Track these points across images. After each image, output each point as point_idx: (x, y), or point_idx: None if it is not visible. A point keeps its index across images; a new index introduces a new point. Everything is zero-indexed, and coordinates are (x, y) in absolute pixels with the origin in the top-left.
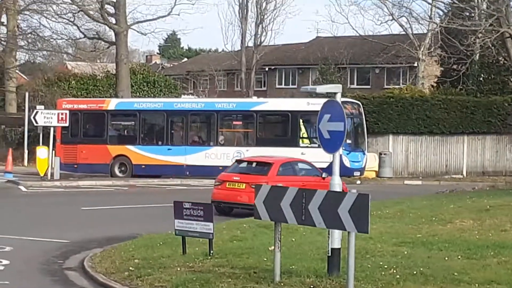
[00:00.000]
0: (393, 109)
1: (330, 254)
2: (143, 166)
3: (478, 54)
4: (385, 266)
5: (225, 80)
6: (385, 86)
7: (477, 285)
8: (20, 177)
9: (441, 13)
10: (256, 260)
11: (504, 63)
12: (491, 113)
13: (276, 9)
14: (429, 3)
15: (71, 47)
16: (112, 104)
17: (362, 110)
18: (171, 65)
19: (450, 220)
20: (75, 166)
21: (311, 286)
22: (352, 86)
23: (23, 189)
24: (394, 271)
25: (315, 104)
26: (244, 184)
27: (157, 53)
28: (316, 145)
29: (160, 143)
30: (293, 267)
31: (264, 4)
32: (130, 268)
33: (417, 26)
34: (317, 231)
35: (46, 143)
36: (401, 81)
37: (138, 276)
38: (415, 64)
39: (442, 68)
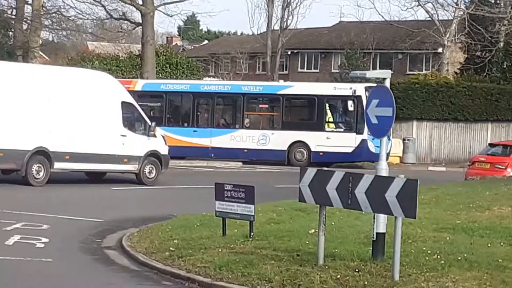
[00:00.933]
0: (417, 95)
1: (375, 239)
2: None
3: (503, 42)
4: (429, 252)
5: (247, 63)
6: (408, 72)
7: None
8: None
9: None
10: (297, 243)
11: None
12: None
13: None
14: None
15: (96, 28)
16: (139, 85)
17: None
18: (192, 47)
19: (488, 207)
20: None
21: (356, 270)
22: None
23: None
24: (438, 256)
25: (342, 89)
26: (489, 164)
27: (177, 35)
28: (342, 130)
29: (186, 124)
30: (336, 250)
31: None
32: (171, 248)
33: (443, 13)
34: (354, 215)
35: None
36: (423, 67)
37: (179, 256)
38: (440, 51)
39: (466, 55)
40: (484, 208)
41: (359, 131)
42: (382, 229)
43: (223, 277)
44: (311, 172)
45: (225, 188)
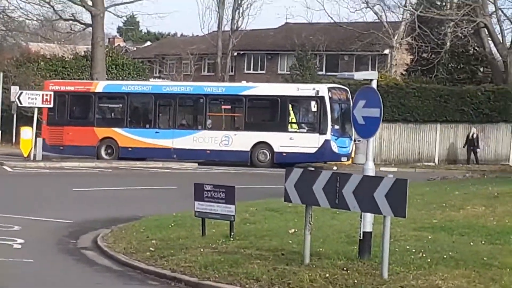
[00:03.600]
0: None
1: (361, 238)
2: (129, 149)
3: (449, 44)
4: (413, 250)
5: (196, 64)
6: None
7: (508, 270)
8: (1, 157)
9: (413, 1)
10: (279, 242)
11: (474, 52)
12: (464, 102)
13: None
14: None
15: (43, 29)
16: (100, 86)
17: (350, 96)
18: (135, 48)
19: (461, 207)
20: (61, 147)
21: (344, 268)
22: (320, 73)
23: (8, 169)
24: (423, 255)
25: (305, 90)
26: None
27: (118, 36)
28: (305, 130)
29: (147, 126)
30: (320, 249)
31: None
32: (150, 248)
33: (392, 15)
34: (329, 215)
35: (21, 124)
36: (370, 68)
37: (161, 256)
38: (386, 52)
39: (412, 57)
40: (458, 208)
41: (322, 132)
42: (369, 228)
43: (209, 276)
44: (297, 172)
45: (205, 189)
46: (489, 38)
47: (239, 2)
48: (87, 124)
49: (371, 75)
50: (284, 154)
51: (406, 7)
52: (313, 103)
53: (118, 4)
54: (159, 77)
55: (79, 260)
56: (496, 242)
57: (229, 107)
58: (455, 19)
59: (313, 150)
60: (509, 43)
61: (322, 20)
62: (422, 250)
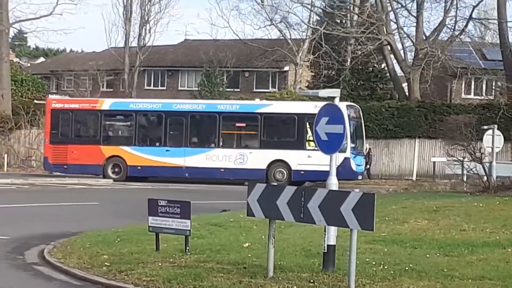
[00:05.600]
0: None
1: (325, 251)
2: (139, 167)
3: (350, 61)
4: (373, 262)
5: (90, 80)
6: (255, 90)
7: (470, 280)
8: None
9: (315, 19)
10: (238, 256)
11: (373, 69)
12: (369, 118)
13: (160, 12)
14: (309, 10)
15: None
16: (106, 104)
17: (361, 113)
18: (29, 64)
19: (404, 220)
20: (65, 166)
21: (311, 281)
22: (220, 89)
23: None
24: (385, 267)
25: None
26: None
27: (10, 52)
28: None
29: (157, 144)
30: (281, 263)
31: (148, 6)
32: (106, 263)
33: (295, 32)
34: (277, 229)
35: None
36: (270, 85)
37: (119, 271)
38: (287, 69)
39: (313, 73)
40: (401, 221)
41: (342, 150)
42: (332, 241)
43: None
44: (260, 187)
45: (160, 204)
46: (392, 56)
47: (146, 19)
48: (93, 142)
49: (334, 92)
50: (302, 172)
51: (310, 23)
52: None
53: (23, 20)
54: (56, 93)
55: (35, 276)
56: (450, 254)
57: (243, 124)
58: (359, 37)
59: None
60: (411, 61)
61: (227, 37)
62: (382, 262)
